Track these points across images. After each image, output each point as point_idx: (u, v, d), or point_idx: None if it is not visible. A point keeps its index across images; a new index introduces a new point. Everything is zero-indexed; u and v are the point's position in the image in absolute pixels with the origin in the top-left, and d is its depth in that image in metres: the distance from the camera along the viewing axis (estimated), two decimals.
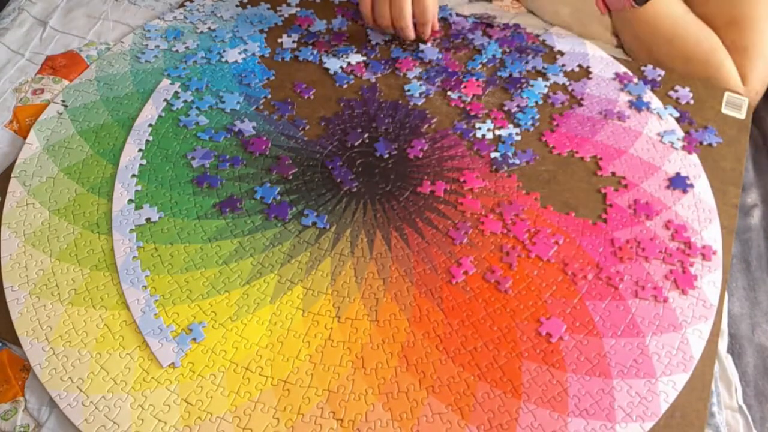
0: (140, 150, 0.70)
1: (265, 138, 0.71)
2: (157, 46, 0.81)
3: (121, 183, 0.67)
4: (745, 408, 0.57)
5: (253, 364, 0.54)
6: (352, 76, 0.78)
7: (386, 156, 0.70)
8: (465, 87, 0.76)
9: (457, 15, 0.86)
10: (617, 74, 0.78)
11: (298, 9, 0.87)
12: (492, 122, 0.73)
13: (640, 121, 0.73)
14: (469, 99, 0.75)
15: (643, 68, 0.79)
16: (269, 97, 0.76)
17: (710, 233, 0.63)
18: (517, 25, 0.84)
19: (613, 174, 0.68)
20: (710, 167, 0.69)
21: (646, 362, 0.54)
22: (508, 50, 0.81)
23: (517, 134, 0.71)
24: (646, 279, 0.59)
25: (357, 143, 0.71)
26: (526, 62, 0.79)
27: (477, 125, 0.72)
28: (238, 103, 0.75)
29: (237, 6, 0.87)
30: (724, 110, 0.74)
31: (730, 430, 0.55)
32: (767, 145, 0.79)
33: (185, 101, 0.75)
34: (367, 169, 0.69)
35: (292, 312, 0.57)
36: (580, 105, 0.75)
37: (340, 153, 0.70)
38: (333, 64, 0.79)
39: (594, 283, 0.59)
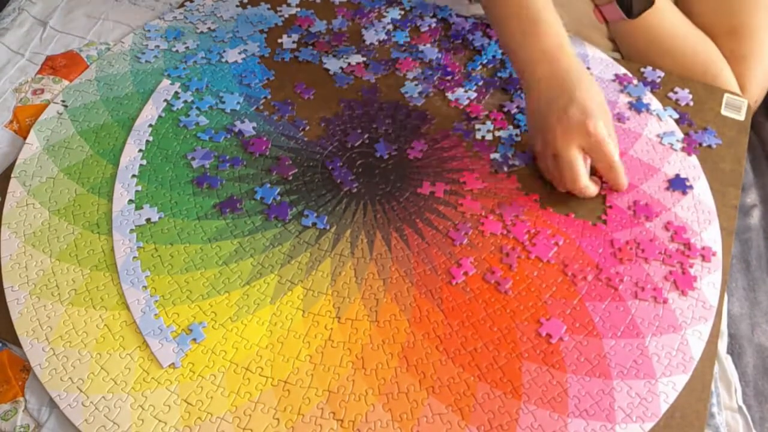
0: (140, 150, 0.70)
1: (265, 138, 0.71)
2: (157, 46, 0.81)
3: (122, 183, 0.67)
4: (744, 408, 0.57)
5: (253, 364, 0.54)
6: (352, 77, 0.78)
7: (386, 157, 0.70)
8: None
9: (458, 16, 0.86)
10: (617, 75, 0.78)
11: (299, 9, 0.87)
12: (492, 123, 0.73)
13: (639, 123, 0.73)
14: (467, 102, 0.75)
15: (642, 70, 0.79)
16: (269, 97, 0.76)
17: (710, 234, 0.63)
18: None
19: None
20: (710, 169, 0.69)
21: (645, 363, 0.54)
22: None
23: (516, 135, 0.71)
24: (645, 280, 0.60)
25: (357, 144, 0.71)
26: None
27: (477, 126, 0.72)
28: (238, 103, 0.75)
29: (237, 6, 0.87)
30: (724, 112, 0.74)
31: (730, 430, 0.56)
32: (765, 151, 0.79)
33: (185, 101, 0.75)
34: (367, 169, 0.69)
35: (292, 312, 0.57)
36: None
37: (340, 154, 0.70)
38: (333, 64, 0.79)
39: (594, 284, 0.59)
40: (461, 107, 0.75)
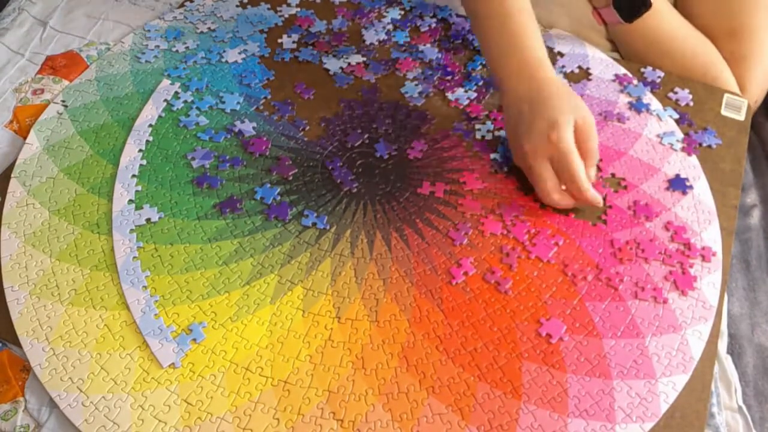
0: (140, 150, 0.70)
1: (265, 138, 0.71)
2: (157, 46, 0.81)
3: (122, 183, 0.67)
4: (744, 408, 0.57)
5: (253, 364, 0.54)
6: (352, 77, 0.78)
7: (386, 157, 0.70)
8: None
9: (458, 16, 0.86)
10: (617, 76, 0.78)
11: (299, 9, 0.87)
12: (492, 123, 0.73)
13: (639, 123, 0.73)
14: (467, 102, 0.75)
15: (642, 70, 0.79)
16: (269, 97, 0.76)
17: (710, 234, 0.63)
18: None
19: (613, 175, 0.68)
20: (710, 169, 0.69)
21: (645, 363, 0.54)
22: None
23: None
24: (645, 280, 0.60)
25: (357, 144, 0.71)
26: None
27: (477, 126, 0.72)
28: (238, 103, 0.75)
29: (237, 6, 0.87)
30: (724, 112, 0.74)
31: (730, 430, 0.56)
32: (765, 151, 0.79)
33: (185, 101, 0.75)
34: (367, 169, 0.69)
35: (292, 312, 0.57)
36: None
37: (340, 154, 0.70)
38: (333, 64, 0.79)
39: (594, 284, 0.59)
40: (461, 107, 0.75)
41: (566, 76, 0.78)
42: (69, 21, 0.86)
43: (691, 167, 0.69)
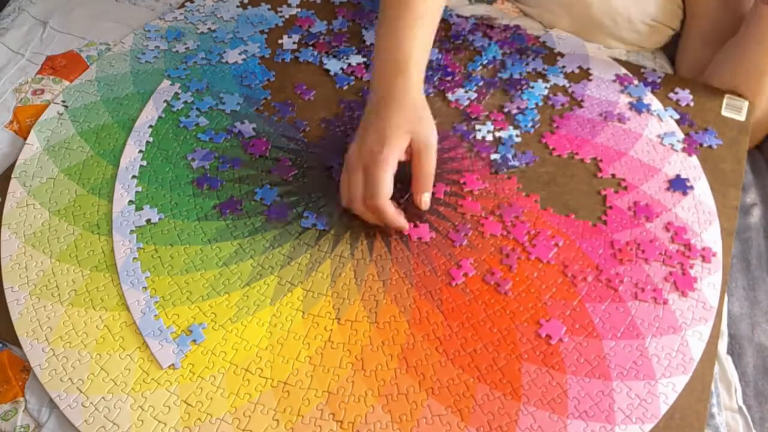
0: (140, 151, 0.70)
1: (265, 139, 0.71)
2: (158, 47, 0.81)
3: (122, 184, 0.67)
4: (744, 409, 0.57)
5: (252, 365, 0.54)
6: (352, 78, 0.78)
7: None
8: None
9: (458, 16, 0.86)
10: (617, 76, 0.78)
11: (299, 10, 0.87)
12: (492, 124, 0.73)
13: (640, 123, 0.73)
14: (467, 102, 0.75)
15: (643, 70, 0.79)
16: (269, 98, 0.76)
17: (710, 235, 0.63)
18: (517, 27, 0.84)
19: (613, 176, 0.68)
20: (710, 169, 0.69)
21: (645, 364, 0.54)
22: (508, 51, 0.81)
23: (517, 136, 0.71)
24: (645, 281, 0.59)
25: None
26: (527, 64, 0.79)
27: (477, 127, 0.72)
28: (238, 104, 0.75)
29: (237, 7, 0.87)
30: (724, 112, 0.74)
31: (730, 430, 0.56)
32: (765, 156, 0.79)
33: (185, 102, 0.75)
34: None
35: (292, 314, 0.57)
36: (581, 107, 0.75)
37: (341, 155, 0.70)
38: (333, 65, 0.79)
39: (594, 285, 0.59)
40: (461, 108, 0.75)
41: (567, 76, 0.78)
42: (69, 21, 0.86)
43: (691, 168, 0.69)
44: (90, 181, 0.67)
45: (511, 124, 0.73)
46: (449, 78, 0.78)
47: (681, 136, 0.72)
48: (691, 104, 0.75)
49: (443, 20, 0.85)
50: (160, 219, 0.64)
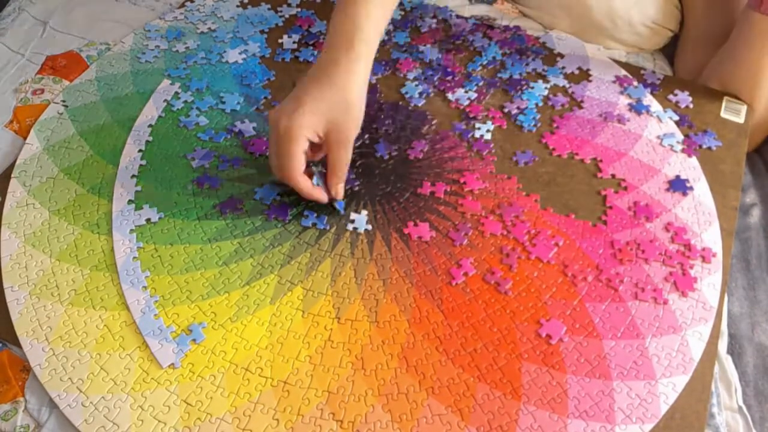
0: (140, 150, 0.70)
1: (265, 139, 0.71)
2: (158, 47, 0.81)
3: (121, 183, 0.67)
4: (744, 408, 0.57)
5: (252, 365, 0.54)
6: None
7: (386, 157, 0.70)
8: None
9: (458, 16, 0.86)
10: (617, 77, 0.78)
11: (299, 9, 0.87)
12: (492, 123, 0.73)
13: (640, 124, 0.73)
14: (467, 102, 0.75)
15: (642, 72, 0.79)
16: (269, 97, 0.76)
17: (710, 235, 0.63)
18: (517, 27, 0.84)
19: (613, 176, 0.68)
20: (710, 170, 0.69)
21: (645, 364, 0.54)
22: (508, 52, 0.81)
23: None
24: (645, 281, 0.60)
25: (357, 144, 0.71)
26: (527, 64, 0.79)
27: (477, 126, 0.72)
28: (238, 103, 0.75)
29: (237, 6, 0.87)
30: (723, 114, 0.74)
31: (730, 430, 0.56)
32: (764, 158, 0.79)
33: (185, 102, 0.75)
34: (368, 170, 0.69)
35: (292, 313, 0.57)
36: (580, 107, 0.75)
37: None
38: None
39: (594, 284, 0.59)
40: (461, 107, 0.75)
41: (566, 77, 0.78)
42: (69, 21, 0.86)
43: (691, 168, 0.69)
44: (90, 180, 0.67)
45: (512, 124, 0.73)
46: (449, 78, 0.78)
47: (680, 137, 0.72)
48: (691, 106, 0.75)
49: (443, 20, 0.85)
50: (160, 218, 0.64)
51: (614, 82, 0.78)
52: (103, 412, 0.51)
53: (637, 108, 0.74)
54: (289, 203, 0.65)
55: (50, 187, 0.66)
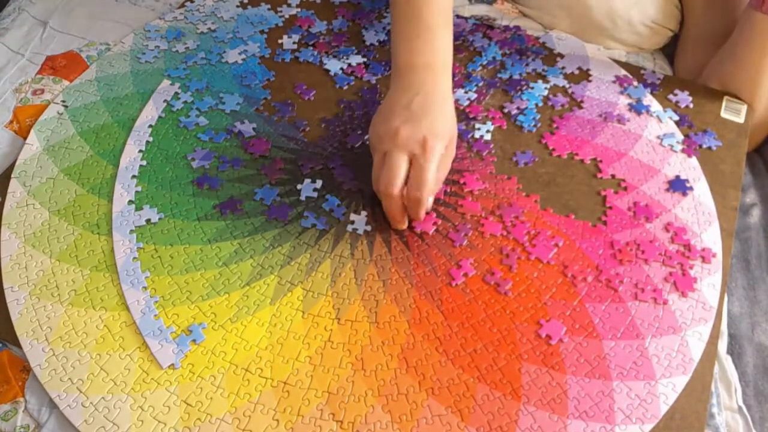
0: (140, 151, 0.70)
1: (265, 139, 0.71)
2: (158, 47, 0.81)
3: (122, 184, 0.67)
4: (744, 409, 0.57)
5: (252, 365, 0.54)
6: (352, 78, 0.78)
7: None
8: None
9: (458, 17, 0.86)
10: (617, 77, 0.78)
11: (299, 10, 0.87)
12: (492, 123, 0.73)
13: (639, 124, 0.73)
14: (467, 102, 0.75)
15: (642, 71, 0.79)
16: (269, 98, 0.76)
17: (710, 236, 0.63)
18: (517, 27, 0.84)
19: (613, 176, 0.68)
20: (710, 170, 0.69)
21: (645, 364, 0.54)
22: (508, 52, 0.81)
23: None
24: (645, 281, 0.60)
25: (357, 144, 0.71)
26: (527, 64, 0.79)
27: (477, 126, 0.72)
28: (238, 104, 0.75)
29: (237, 6, 0.87)
30: (723, 114, 0.74)
31: (730, 430, 0.56)
32: (764, 157, 0.79)
33: (185, 102, 0.75)
34: (368, 170, 0.68)
35: (291, 313, 0.57)
36: (580, 107, 0.75)
37: (341, 154, 0.70)
38: (333, 65, 0.79)
39: (594, 285, 0.59)
40: (461, 108, 0.75)
41: (566, 77, 0.78)
42: (69, 21, 0.86)
43: (691, 168, 0.69)
44: (90, 180, 0.67)
45: (512, 124, 0.73)
46: None
47: (680, 137, 0.72)
48: (691, 106, 0.75)
49: None
50: (160, 219, 0.64)
51: (614, 82, 0.78)
52: (103, 413, 0.51)
53: (637, 108, 0.74)
54: (289, 204, 0.65)
55: (50, 187, 0.66)
